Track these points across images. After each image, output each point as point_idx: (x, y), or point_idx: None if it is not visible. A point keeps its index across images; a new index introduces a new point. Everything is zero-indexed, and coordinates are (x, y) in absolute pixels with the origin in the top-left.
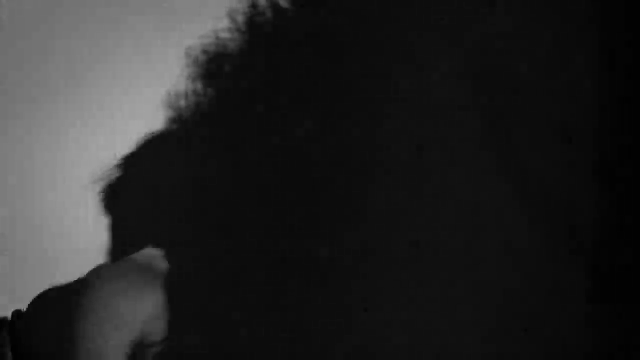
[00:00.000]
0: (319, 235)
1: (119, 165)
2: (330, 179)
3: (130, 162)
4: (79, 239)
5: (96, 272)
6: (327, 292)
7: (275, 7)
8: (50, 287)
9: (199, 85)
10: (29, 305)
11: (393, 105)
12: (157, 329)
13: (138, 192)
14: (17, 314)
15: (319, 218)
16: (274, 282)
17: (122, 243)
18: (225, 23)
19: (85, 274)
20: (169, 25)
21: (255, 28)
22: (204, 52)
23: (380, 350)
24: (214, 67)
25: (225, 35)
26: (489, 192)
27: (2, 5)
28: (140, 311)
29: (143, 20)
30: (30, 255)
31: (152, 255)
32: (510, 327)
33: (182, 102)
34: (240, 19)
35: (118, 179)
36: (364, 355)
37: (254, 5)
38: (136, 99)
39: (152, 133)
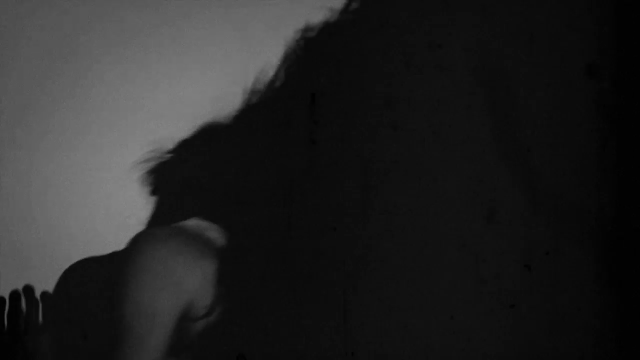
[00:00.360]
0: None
1: (167, 151)
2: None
3: (178, 148)
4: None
5: (151, 233)
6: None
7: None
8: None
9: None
10: (67, 270)
11: (400, 105)
12: (203, 302)
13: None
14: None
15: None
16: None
17: (167, 219)
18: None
19: (135, 235)
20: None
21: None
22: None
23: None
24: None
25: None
26: (496, 190)
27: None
28: (192, 277)
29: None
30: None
31: (203, 226)
32: (522, 327)
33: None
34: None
35: (163, 163)
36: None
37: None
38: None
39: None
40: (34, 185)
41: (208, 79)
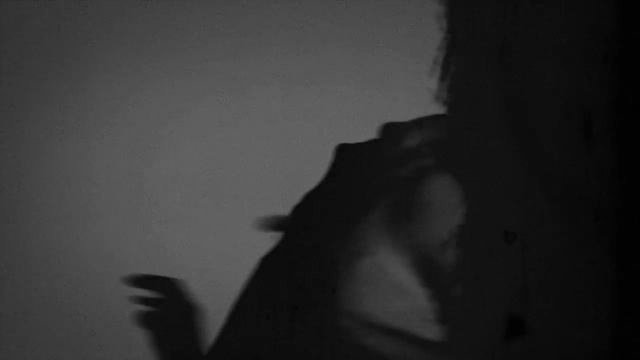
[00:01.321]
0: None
1: None
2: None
3: None
4: None
5: (442, 177)
6: None
7: None
8: None
9: None
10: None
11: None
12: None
13: None
14: None
15: None
16: None
17: None
18: None
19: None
20: None
21: None
22: None
23: None
24: None
25: None
26: (511, 182)
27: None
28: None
29: None
30: None
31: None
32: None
33: None
34: None
35: None
36: None
37: None
38: None
39: None
40: (34, 185)
41: None
